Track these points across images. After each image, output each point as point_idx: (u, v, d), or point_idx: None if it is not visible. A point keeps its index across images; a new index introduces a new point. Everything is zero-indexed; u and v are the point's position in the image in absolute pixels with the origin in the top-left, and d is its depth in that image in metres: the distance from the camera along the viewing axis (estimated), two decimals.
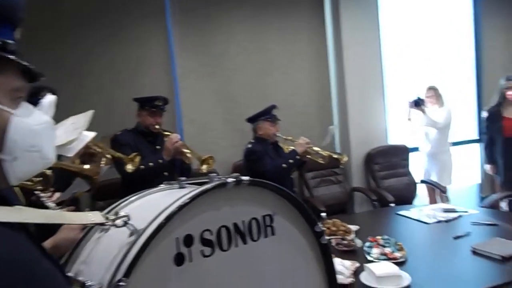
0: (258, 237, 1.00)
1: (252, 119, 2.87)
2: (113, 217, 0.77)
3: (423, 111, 3.56)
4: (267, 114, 2.80)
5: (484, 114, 3.62)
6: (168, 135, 2.48)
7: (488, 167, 3.65)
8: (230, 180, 0.93)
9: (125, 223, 0.79)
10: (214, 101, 3.46)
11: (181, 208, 0.84)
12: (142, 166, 2.26)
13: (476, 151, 4.34)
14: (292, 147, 2.76)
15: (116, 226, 0.77)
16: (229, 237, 0.94)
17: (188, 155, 2.48)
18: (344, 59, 3.61)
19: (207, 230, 0.91)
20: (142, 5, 3.21)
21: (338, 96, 3.76)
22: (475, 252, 1.93)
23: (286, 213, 1.05)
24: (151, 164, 2.34)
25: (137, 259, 0.75)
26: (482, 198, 4.24)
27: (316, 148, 2.77)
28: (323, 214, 2.95)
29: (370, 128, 3.73)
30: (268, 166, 2.64)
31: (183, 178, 1.11)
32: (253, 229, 0.99)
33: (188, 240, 0.87)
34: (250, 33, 3.53)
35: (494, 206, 3.02)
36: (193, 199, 0.87)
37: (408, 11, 4.06)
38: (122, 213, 0.80)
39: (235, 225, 0.96)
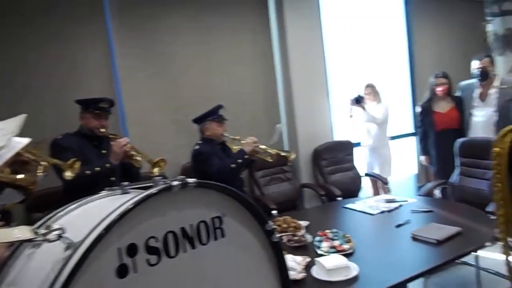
0: (207, 240, 0.97)
1: (198, 120, 2.82)
2: (43, 231, 0.70)
3: (363, 107, 3.75)
4: (214, 114, 2.77)
5: (418, 109, 3.89)
6: (115, 138, 2.36)
7: (423, 158, 3.92)
8: (175, 183, 0.89)
9: (59, 237, 0.72)
10: (160, 102, 3.36)
11: (123, 215, 0.79)
12: (87, 172, 2.16)
13: (412, 144, 4.66)
14: (240, 147, 2.75)
15: (49, 241, 0.70)
16: (176, 242, 0.90)
17: (138, 158, 2.38)
18: (289, 59, 3.69)
19: (152, 237, 0.86)
20: (81, 5, 3.02)
21: (284, 95, 3.82)
22: (414, 238, 2.06)
23: (235, 213, 1.03)
24: (97, 169, 2.22)
25: (73, 275, 0.69)
26: (419, 187, 4.56)
27: (264, 147, 2.79)
28: (274, 212, 2.98)
29: (316, 125, 3.84)
30: (216, 166, 2.62)
31: (126, 183, 1.05)
32: (201, 232, 0.96)
33: (132, 250, 0.82)
34: (195, 33, 3.47)
35: (429, 194, 3.25)
36: (136, 205, 0.82)
37: (347, 13, 4.25)
38: (55, 226, 0.73)
39: (183, 229, 0.92)
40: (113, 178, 2.26)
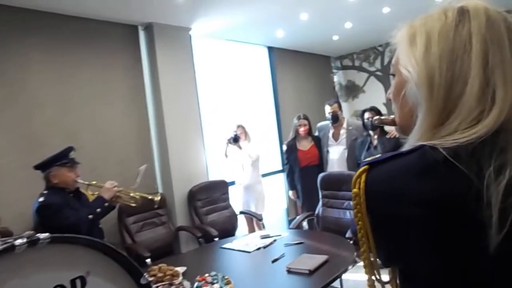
0: None
1: (43, 166, 2.37)
2: None
3: (239, 147, 3.90)
4: (63, 158, 2.37)
5: (284, 147, 4.24)
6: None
7: (291, 193, 4.24)
8: (19, 241, 0.71)
9: None
10: (8, 140, 2.82)
11: None
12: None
13: (281, 180, 5.01)
14: (98, 193, 2.46)
15: None
16: None
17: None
18: (162, 98, 3.62)
19: None
20: None
21: (157, 135, 3.70)
22: (289, 271, 2.14)
23: (103, 270, 0.88)
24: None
25: None
26: (290, 221, 4.88)
27: (127, 191, 2.56)
28: (148, 260, 2.74)
29: (190, 165, 3.80)
30: (70, 219, 2.24)
31: None
32: None
33: None
34: (53, 63, 3.10)
35: (298, 226, 3.49)
36: None
37: (218, 58, 4.47)
38: None
39: None
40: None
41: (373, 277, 0.64)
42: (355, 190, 0.57)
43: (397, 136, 3.57)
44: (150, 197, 2.66)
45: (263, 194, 4.12)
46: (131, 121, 3.55)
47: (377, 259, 0.61)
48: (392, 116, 0.75)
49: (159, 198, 2.72)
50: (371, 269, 0.62)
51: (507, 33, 0.53)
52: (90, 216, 2.32)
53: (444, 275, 0.53)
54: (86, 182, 2.47)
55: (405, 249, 0.55)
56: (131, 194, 2.56)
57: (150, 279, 1.93)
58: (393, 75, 0.66)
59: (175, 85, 3.72)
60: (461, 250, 0.50)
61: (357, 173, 0.57)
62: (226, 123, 4.23)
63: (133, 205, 2.59)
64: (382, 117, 0.85)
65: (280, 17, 3.96)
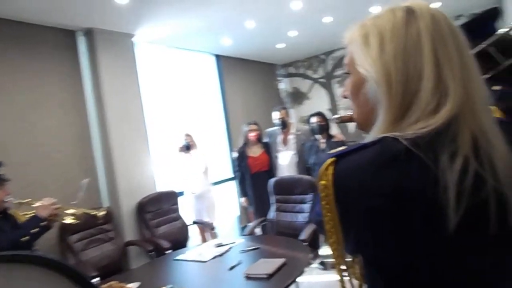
0: None
1: None
2: None
3: (191, 155, 3.83)
4: None
5: (234, 154, 4.22)
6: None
7: (242, 200, 4.23)
8: None
9: None
10: None
11: None
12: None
13: (232, 188, 4.98)
14: (34, 212, 2.20)
15: None
16: None
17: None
18: (105, 107, 3.44)
19: None
20: None
21: (101, 146, 3.50)
22: (248, 277, 2.12)
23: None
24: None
25: None
26: (242, 228, 4.86)
27: (67, 208, 2.35)
28: (96, 280, 2.56)
29: (138, 177, 3.64)
30: (1, 244, 1.99)
31: None
32: None
33: None
34: None
35: (252, 233, 3.49)
36: None
37: (164, 65, 4.37)
38: None
39: None
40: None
41: (342, 267, 0.65)
42: (323, 182, 0.58)
43: (343, 139, 3.73)
44: (93, 212, 2.48)
45: (214, 202, 4.06)
46: (71, 131, 3.32)
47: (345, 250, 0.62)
48: (350, 113, 0.77)
49: (103, 213, 2.55)
50: (340, 260, 0.63)
51: (449, 31, 0.57)
52: (24, 238, 2.07)
53: (410, 260, 0.55)
54: (17, 201, 2.22)
55: (373, 238, 0.56)
56: (72, 211, 2.37)
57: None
58: (348, 73, 0.68)
59: (118, 93, 3.56)
60: (424, 235, 0.53)
61: (325, 165, 0.58)
62: (174, 132, 4.13)
63: (74, 222, 2.40)
64: (342, 115, 0.87)
65: (227, 25, 3.98)
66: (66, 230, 2.99)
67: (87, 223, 2.99)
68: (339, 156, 0.58)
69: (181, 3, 3.18)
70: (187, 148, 3.81)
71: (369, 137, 0.61)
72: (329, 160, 0.58)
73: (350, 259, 0.68)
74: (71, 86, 3.36)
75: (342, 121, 0.87)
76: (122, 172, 3.50)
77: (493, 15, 1.52)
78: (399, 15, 0.59)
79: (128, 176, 3.54)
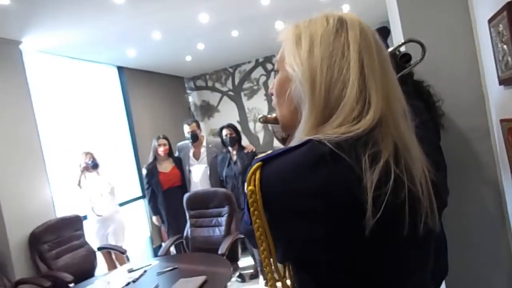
0: None
1: None
2: None
3: (98, 173, 3.50)
4: None
5: (144, 171, 3.99)
6: None
7: (154, 218, 4.01)
8: None
9: None
10: None
11: None
12: None
13: (142, 207, 4.69)
14: None
15: None
16: None
17: None
18: None
19: None
20: None
21: None
22: None
23: None
24: None
25: None
26: (155, 249, 4.58)
27: None
28: None
29: (31, 203, 3.17)
30: None
31: None
32: None
33: None
34: None
35: (167, 252, 3.31)
36: None
37: (60, 76, 3.94)
38: None
39: None
40: None
41: (275, 275, 0.64)
42: (250, 187, 0.57)
43: (254, 150, 3.81)
44: None
45: (123, 224, 3.76)
46: None
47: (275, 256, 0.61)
48: (274, 115, 0.78)
49: None
50: (271, 269, 0.62)
51: (375, 45, 0.62)
52: None
53: (339, 260, 0.56)
54: None
55: (302, 240, 0.56)
56: None
57: None
58: (277, 71, 0.69)
59: (4, 107, 3.08)
60: (350, 234, 0.54)
61: (251, 170, 0.57)
62: (74, 149, 3.73)
63: None
64: (267, 115, 0.87)
65: (131, 36, 3.78)
66: None
67: None
68: (265, 160, 0.57)
69: (76, 10, 2.91)
70: (94, 167, 3.47)
71: (294, 140, 0.62)
72: (256, 165, 0.57)
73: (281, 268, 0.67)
74: None
75: (266, 121, 0.87)
76: (9, 199, 3.00)
77: (384, 33, 1.71)
78: (331, 22, 0.62)
79: (17, 203, 3.05)
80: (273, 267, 0.62)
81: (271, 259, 0.60)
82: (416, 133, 0.61)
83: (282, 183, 0.55)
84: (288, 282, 0.69)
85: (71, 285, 2.77)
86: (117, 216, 3.73)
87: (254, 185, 0.56)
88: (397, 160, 0.56)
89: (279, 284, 0.66)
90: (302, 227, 0.55)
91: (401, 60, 1.39)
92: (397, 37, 1.91)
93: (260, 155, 0.60)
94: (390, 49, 1.58)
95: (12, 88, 3.20)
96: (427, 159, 0.60)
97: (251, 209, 0.57)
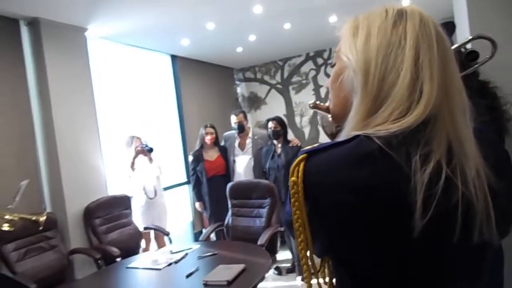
0: None
1: None
2: None
3: (150, 158, 3.66)
4: None
5: (190, 158, 4.11)
6: None
7: (197, 204, 4.13)
8: None
9: None
10: None
11: None
12: None
13: (186, 192, 4.85)
14: None
15: None
16: None
17: None
18: (51, 104, 3.17)
19: None
20: None
21: (45, 147, 3.22)
22: (206, 284, 2.04)
23: None
24: None
25: None
26: (195, 234, 4.73)
27: (2, 213, 2.12)
28: None
29: (87, 179, 3.40)
30: None
31: None
32: None
33: None
34: None
35: (208, 238, 3.40)
36: None
37: (118, 63, 4.15)
38: None
39: None
40: None
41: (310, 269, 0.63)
42: (293, 178, 0.57)
43: (299, 144, 3.78)
44: (33, 218, 2.26)
45: (165, 208, 3.91)
46: (10, 129, 3.01)
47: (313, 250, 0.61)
48: (327, 104, 0.78)
49: (44, 218, 2.33)
50: (307, 261, 0.61)
51: (435, 35, 0.59)
52: None
53: (379, 259, 0.55)
54: None
55: (342, 236, 0.56)
56: (7, 217, 2.14)
57: None
58: (335, 64, 0.68)
59: (67, 90, 3.30)
60: (392, 235, 0.53)
61: (296, 161, 0.57)
62: (126, 132, 3.92)
63: (10, 229, 2.17)
64: (318, 102, 0.86)
65: (186, 25, 3.88)
66: (1, 238, 2.69)
67: (26, 230, 2.73)
68: (311, 153, 0.57)
69: None
70: (149, 151, 3.64)
71: (342, 133, 0.61)
72: (301, 157, 0.57)
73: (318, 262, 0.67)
74: (12, 81, 3.05)
75: (316, 107, 0.85)
76: (69, 174, 3.24)
77: (449, 29, 1.61)
78: (390, 14, 0.61)
79: (75, 178, 3.29)
80: (309, 261, 0.62)
81: (308, 252, 0.60)
82: (475, 132, 0.57)
83: (326, 176, 0.55)
84: (326, 278, 0.69)
85: (118, 259, 2.94)
86: (162, 200, 3.88)
87: (297, 176, 0.56)
88: (450, 160, 0.53)
89: (315, 281, 0.66)
90: (343, 223, 0.54)
91: (467, 58, 1.30)
92: (462, 34, 1.79)
93: (306, 147, 0.60)
94: (455, 46, 1.48)
95: (76, 72, 3.43)
96: (485, 162, 0.55)
97: (292, 200, 0.58)
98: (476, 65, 1.28)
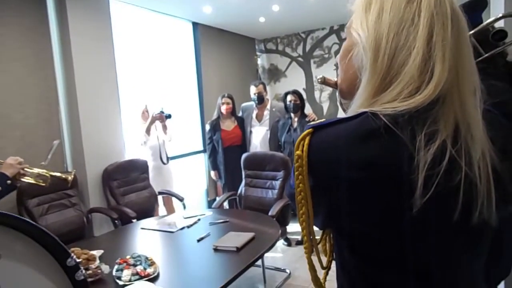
0: None
1: None
2: None
3: (165, 126, 3.71)
4: None
5: (207, 127, 4.15)
6: None
7: (212, 173, 4.20)
8: None
9: None
10: None
11: None
12: None
13: (202, 161, 4.93)
14: None
15: None
16: None
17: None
18: (74, 66, 3.22)
19: None
20: None
21: (67, 108, 3.30)
22: (216, 249, 2.12)
23: (19, 251, 0.74)
24: None
25: None
26: (209, 201, 4.85)
27: (35, 170, 2.22)
28: None
29: (106, 142, 3.49)
30: None
31: None
32: None
33: None
34: None
35: (221, 206, 3.48)
36: None
37: (139, 27, 4.14)
38: None
39: None
40: None
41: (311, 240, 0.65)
42: (298, 152, 0.58)
43: (315, 119, 3.75)
44: (63, 176, 2.36)
45: (171, 174, 3.98)
46: (35, 91, 3.10)
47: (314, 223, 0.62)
48: (335, 79, 0.77)
49: (72, 177, 2.43)
50: (308, 233, 0.63)
51: (451, 14, 0.57)
52: None
53: (377, 235, 0.56)
54: None
55: (343, 211, 0.57)
56: (40, 172, 2.24)
57: (78, 260, 1.74)
58: (345, 39, 0.67)
59: (89, 53, 3.34)
60: (394, 210, 0.54)
61: (301, 136, 0.58)
62: (144, 98, 3.97)
63: (43, 184, 2.28)
64: (326, 77, 0.85)
65: None
66: (25, 193, 2.84)
67: (48, 187, 2.85)
68: (317, 128, 0.58)
69: None
70: (167, 117, 3.69)
71: (350, 108, 0.61)
72: (306, 131, 0.58)
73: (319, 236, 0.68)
74: (35, 42, 3.10)
75: (325, 82, 0.85)
76: (89, 136, 3.34)
77: (480, 5, 1.53)
78: None
79: (95, 140, 3.39)
80: (310, 233, 0.63)
81: (309, 224, 0.62)
82: (484, 114, 0.56)
83: (330, 151, 0.56)
84: (326, 247, 0.71)
85: (134, 220, 3.06)
86: (169, 166, 3.94)
87: (302, 151, 0.57)
88: (455, 140, 0.53)
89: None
90: (345, 197, 0.55)
91: (494, 37, 1.24)
92: (496, 11, 1.70)
93: (312, 122, 0.61)
94: (482, 24, 1.41)
95: (99, 34, 3.44)
96: (492, 145, 0.55)
97: (296, 173, 0.59)
98: (504, 45, 1.22)
